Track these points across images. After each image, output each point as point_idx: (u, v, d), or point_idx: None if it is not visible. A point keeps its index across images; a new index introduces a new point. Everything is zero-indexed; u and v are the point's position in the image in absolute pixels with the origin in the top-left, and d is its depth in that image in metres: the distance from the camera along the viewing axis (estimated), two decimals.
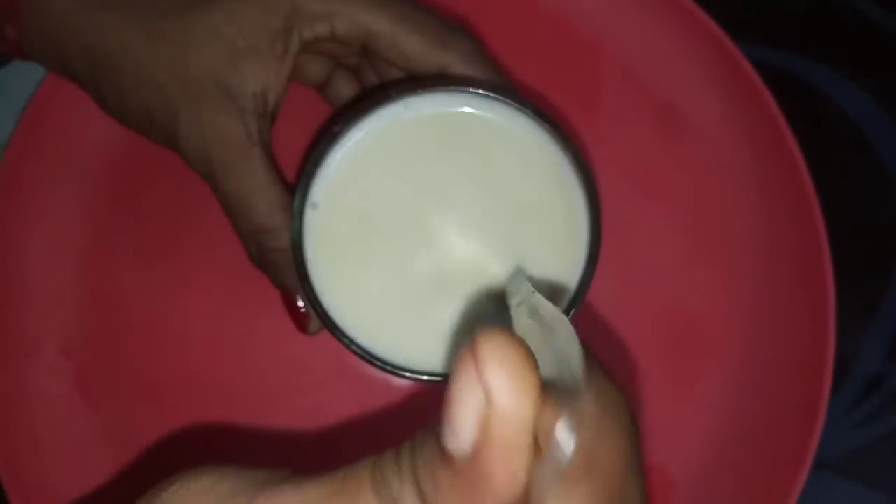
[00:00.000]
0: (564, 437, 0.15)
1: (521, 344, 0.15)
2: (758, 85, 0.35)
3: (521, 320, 0.21)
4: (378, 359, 0.28)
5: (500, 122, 0.28)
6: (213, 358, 0.35)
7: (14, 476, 0.33)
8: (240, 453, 0.35)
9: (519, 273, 0.28)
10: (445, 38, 0.29)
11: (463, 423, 0.15)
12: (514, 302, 0.23)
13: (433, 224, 0.29)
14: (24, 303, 0.35)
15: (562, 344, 0.17)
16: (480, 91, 0.28)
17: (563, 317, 0.19)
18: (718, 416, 0.36)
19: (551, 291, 0.28)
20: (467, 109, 0.28)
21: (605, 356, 0.36)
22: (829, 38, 0.41)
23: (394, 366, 0.28)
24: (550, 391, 0.16)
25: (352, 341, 0.28)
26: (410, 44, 0.29)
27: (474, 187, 0.29)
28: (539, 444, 0.15)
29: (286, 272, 0.29)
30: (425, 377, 0.28)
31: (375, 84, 0.32)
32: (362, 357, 0.28)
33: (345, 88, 0.33)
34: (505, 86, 0.29)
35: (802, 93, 0.40)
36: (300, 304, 0.30)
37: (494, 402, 0.15)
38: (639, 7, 0.37)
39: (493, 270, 0.28)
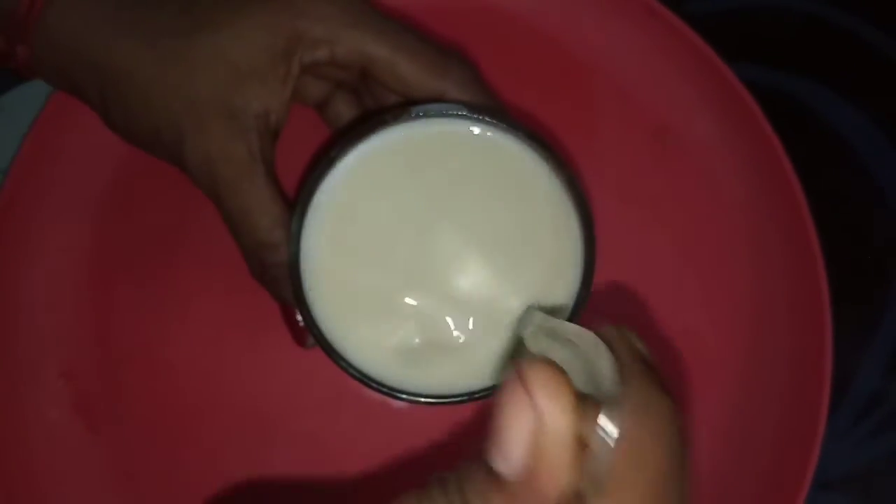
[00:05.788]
0: (600, 445, 0.17)
1: (557, 367, 0.17)
2: (752, 106, 0.36)
3: (538, 344, 0.22)
4: (374, 381, 0.28)
5: (495, 145, 0.29)
6: (213, 380, 0.35)
7: (13, 500, 0.33)
8: (241, 474, 0.35)
9: (529, 306, 0.28)
10: (442, 65, 0.30)
11: (514, 446, 0.16)
12: (527, 332, 0.24)
13: (429, 248, 0.29)
14: (25, 326, 0.35)
15: (590, 356, 0.19)
16: (476, 116, 0.28)
17: (586, 331, 0.20)
18: (716, 436, 0.36)
19: (547, 313, 0.28)
20: (463, 134, 0.29)
21: None
22: (826, 59, 0.41)
23: (390, 388, 0.28)
24: (587, 404, 0.17)
25: (349, 364, 0.28)
26: (408, 70, 0.29)
27: (470, 211, 0.29)
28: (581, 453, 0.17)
29: (285, 286, 0.29)
30: (422, 399, 0.28)
31: (373, 108, 0.32)
32: (359, 380, 0.28)
33: (344, 109, 0.34)
34: (500, 110, 0.29)
35: (797, 114, 0.41)
36: (298, 317, 0.31)
37: (545, 423, 0.16)
38: (633, 30, 0.37)
39: (488, 294, 0.28)
